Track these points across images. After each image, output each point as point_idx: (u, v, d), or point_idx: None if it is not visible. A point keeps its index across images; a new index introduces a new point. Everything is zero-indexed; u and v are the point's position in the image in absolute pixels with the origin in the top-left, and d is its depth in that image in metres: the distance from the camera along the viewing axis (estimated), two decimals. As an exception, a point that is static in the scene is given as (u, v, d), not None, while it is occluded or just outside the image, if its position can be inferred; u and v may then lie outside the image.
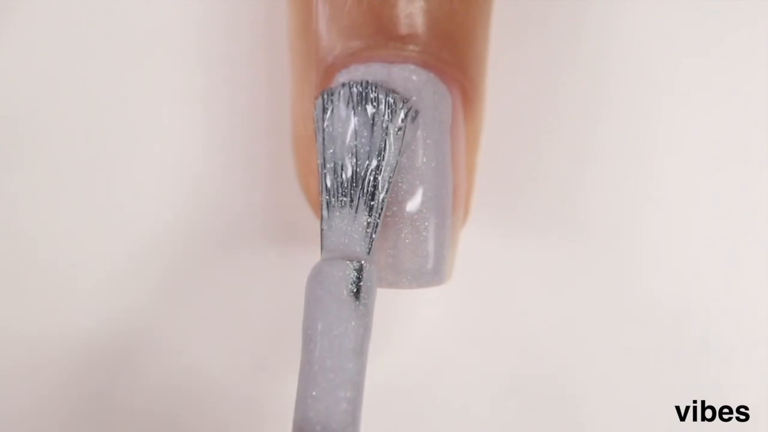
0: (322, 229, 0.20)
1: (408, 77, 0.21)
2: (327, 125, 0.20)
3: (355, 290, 0.19)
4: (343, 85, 0.20)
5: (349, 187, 0.20)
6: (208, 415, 0.25)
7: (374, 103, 0.20)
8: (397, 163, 0.20)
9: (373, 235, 0.20)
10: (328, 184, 0.20)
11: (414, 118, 0.20)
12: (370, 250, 0.20)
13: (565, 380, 0.25)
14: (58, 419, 0.24)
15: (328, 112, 0.20)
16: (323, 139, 0.20)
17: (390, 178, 0.20)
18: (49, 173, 0.25)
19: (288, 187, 0.24)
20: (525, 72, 0.25)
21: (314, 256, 0.20)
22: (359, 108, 0.20)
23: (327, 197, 0.20)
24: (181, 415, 0.24)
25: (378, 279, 0.20)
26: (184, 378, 0.25)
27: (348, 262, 0.19)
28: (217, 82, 0.25)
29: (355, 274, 0.19)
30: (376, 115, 0.20)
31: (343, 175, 0.20)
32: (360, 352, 0.19)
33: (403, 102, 0.20)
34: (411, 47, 0.21)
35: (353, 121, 0.20)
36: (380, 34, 0.21)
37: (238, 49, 0.25)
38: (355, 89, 0.20)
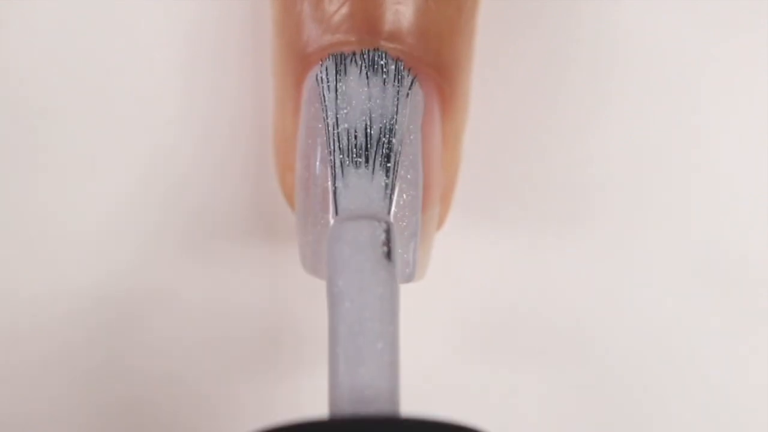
0: (335, 188, 0.19)
1: None
2: (341, 86, 0.20)
3: (386, 251, 0.19)
4: (353, 52, 0.20)
5: (365, 148, 0.20)
6: (191, 411, 0.24)
7: (385, 69, 0.20)
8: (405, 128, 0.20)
9: (392, 197, 0.19)
10: (343, 144, 0.20)
11: (413, 84, 0.20)
12: (389, 211, 0.19)
13: (559, 380, 0.25)
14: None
15: (342, 73, 0.20)
16: (336, 99, 0.20)
17: (401, 141, 0.20)
18: (27, 168, 0.25)
19: (271, 183, 0.24)
20: (518, 70, 0.25)
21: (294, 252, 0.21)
22: (371, 72, 0.20)
23: (341, 157, 0.20)
24: (160, 412, 0.24)
25: None
26: (166, 379, 0.24)
27: (376, 221, 0.19)
28: (202, 77, 0.25)
29: (385, 234, 0.19)
30: (387, 80, 0.20)
31: (358, 136, 0.20)
32: (397, 314, 0.18)
33: (408, 69, 0.20)
34: (383, 43, 0.21)
35: (367, 84, 0.20)
36: (353, 30, 0.21)
37: (224, 46, 0.25)
38: (367, 54, 0.20)
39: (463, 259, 0.25)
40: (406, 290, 0.21)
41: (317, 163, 0.21)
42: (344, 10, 0.21)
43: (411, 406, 0.24)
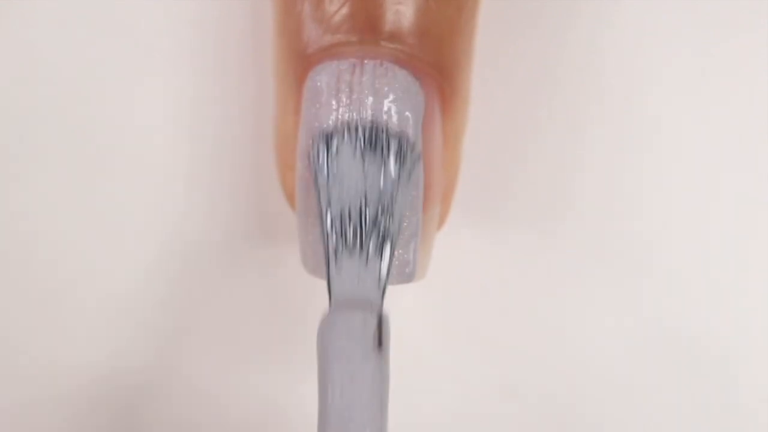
0: (329, 276, 0.19)
1: (380, 74, 0.20)
2: (332, 165, 0.19)
3: (378, 341, 0.19)
4: (349, 126, 0.20)
5: (359, 233, 0.19)
6: (191, 410, 0.24)
7: (385, 145, 0.20)
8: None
9: (386, 284, 0.19)
10: (336, 229, 0.19)
11: (418, 160, 0.20)
12: (382, 299, 0.19)
13: (555, 382, 0.25)
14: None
15: (333, 151, 0.20)
16: (328, 180, 0.19)
17: (400, 224, 0.20)
18: (32, 174, 0.25)
19: (272, 183, 0.24)
20: (518, 70, 0.25)
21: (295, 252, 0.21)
22: (368, 151, 0.20)
23: (334, 242, 0.19)
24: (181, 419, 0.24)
25: None
26: (166, 376, 0.24)
27: (368, 313, 0.19)
28: (202, 78, 0.25)
29: (376, 324, 0.19)
30: (388, 157, 0.20)
31: (353, 220, 0.19)
32: (386, 402, 0.19)
33: (413, 145, 0.20)
34: (383, 44, 0.20)
35: (363, 164, 0.20)
36: (353, 30, 0.20)
37: (225, 46, 0.25)
38: (363, 132, 0.20)
39: (463, 259, 0.25)
40: (406, 290, 0.22)
41: None
42: (345, 10, 0.20)
43: (410, 405, 0.25)
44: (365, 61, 0.20)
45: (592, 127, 0.25)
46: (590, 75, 0.25)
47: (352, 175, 0.19)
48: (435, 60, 0.21)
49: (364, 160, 0.19)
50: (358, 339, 0.19)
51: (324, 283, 0.20)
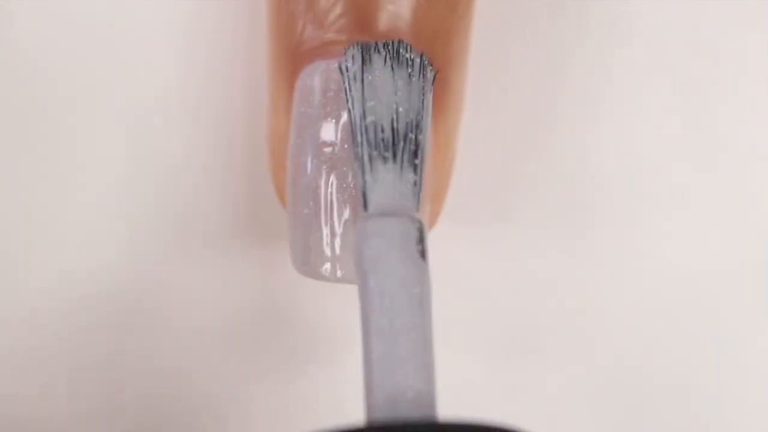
0: (364, 181, 0.19)
1: None
2: (368, 76, 0.19)
3: (421, 249, 0.18)
4: (377, 42, 0.20)
5: (391, 143, 0.19)
6: (188, 407, 0.24)
7: (410, 62, 0.20)
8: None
9: (420, 194, 0.19)
10: (370, 137, 0.19)
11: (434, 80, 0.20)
12: (417, 209, 0.19)
13: (557, 380, 0.25)
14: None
15: (368, 64, 0.20)
16: (363, 90, 0.19)
17: (427, 138, 0.20)
18: (22, 167, 0.24)
19: (266, 182, 0.24)
20: (516, 70, 0.25)
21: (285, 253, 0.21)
22: (397, 65, 0.20)
23: (369, 150, 0.19)
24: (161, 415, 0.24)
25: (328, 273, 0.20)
26: (162, 375, 0.24)
27: (409, 219, 0.18)
28: (197, 77, 0.25)
29: (419, 232, 0.18)
30: (412, 74, 0.20)
31: (385, 131, 0.19)
32: (431, 314, 0.18)
33: (430, 64, 0.20)
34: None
35: (393, 77, 0.20)
36: (345, 29, 0.21)
37: (220, 45, 0.25)
38: (392, 46, 0.20)
39: (458, 260, 0.25)
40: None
41: (308, 162, 0.20)
42: (337, 9, 0.21)
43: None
44: None
45: (589, 127, 0.25)
46: (589, 75, 0.25)
47: (384, 87, 0.19)
48: (428, 60, 0.21)
49: (393, 74, 0.20)
50: (400, 243, 0.18)
51: (316, 283, 0.21)
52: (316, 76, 0.21)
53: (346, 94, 0.20)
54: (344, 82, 0.20)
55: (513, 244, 0.25)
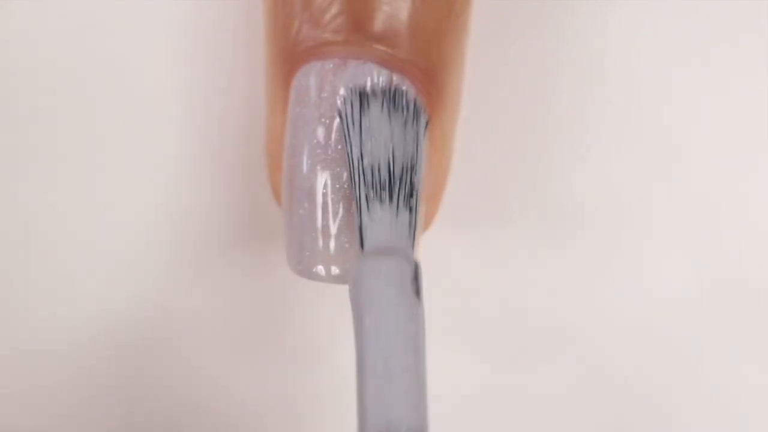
0: (361, 221, 0.19)
1: (365, 75, 0.21)
2: (365, 121, 0.20)
3: (416, 288, 0.19)
4: (373, 87, 0.20)
5: (388, 184, 0.20)
6: (201, 418, 0.24)
7: (405, 108, 0.20)
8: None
9: (415, 234, 0.20)
10: (368, 178, 0.20)
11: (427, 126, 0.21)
12: (413, 249, 0.19)
13: (556, 380, 0.25)
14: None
15: (365, 109, 0.20)
16: (361, 134, 0.20)
17: (421, 182, 0.20)
18: (20, 170, 0.24)
19: (264, 183, 0.24)
20: (512, 72, 0.25)
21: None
22: (393, 110, 0.20)
23: (366, 191, 0.20)
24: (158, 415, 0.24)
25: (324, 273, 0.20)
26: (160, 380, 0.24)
27: (405, 259, 0.19)
28: (196, 77, 0.25)
29: (414, 272, 0.19)
30: (408, 119, 0.20)
31: (382, 172, 0.20)
32: (425, 353, 0.18)
33: (425, 110, 0.21)
34: (369, 44, 0.21)
35: (389, 122, 0.20)
36: (340, 30, 0.21)
37: (219, 45, 0.25)
38: (389, 93, 0.20)
39: (454, 262, 0.25)
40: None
41: (303, 162, 0.21)
42: (333, 9, 0.21)
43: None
44: (348, 61, 0.21)
45: (585, 130, 0.26)
46: (587, 76, 0.26)
47: (381, 131, 0.20)
48: (422, 62, 0.21)
49: (390, 119, 0.20)
50: (395, 283, 0.18)
51: (312, 282, 0.21)
52: (311, 77, 0.21)
53: (344, 138, 0.20)
54: (343, 127, 0.20)
55: (509, 246, 0.25)
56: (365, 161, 0.20)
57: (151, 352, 0.24)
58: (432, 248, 0.23)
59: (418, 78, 0.21)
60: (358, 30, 0.21)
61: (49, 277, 0.24)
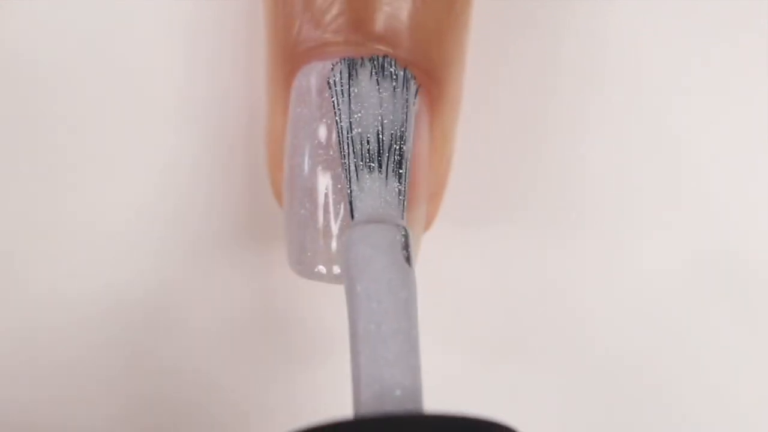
0: (351, 191, 0.20)
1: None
2: (353, 90, 0.20)
3: (406, 255, 0.19)
4: (362, 57, 0.20)
5: (377, 153, 0.20)
6: (186, 414, 0.24)
7: (394, 76, 0.20)
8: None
9: (404, 203, 0.20)
10: (356, 148, 0.20)
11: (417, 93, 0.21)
12: (403, 217, 0.19)
13: (555, 380, 0.25)
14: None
15: (354, 78, 0.20)
16: (349, 103, 0.20)
17: (410, 150, 0.20)
18: (21, 169, 0.24)
19: (263, 184, 0.24)
20: (513, 72, 0.26)
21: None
22: (382, 78, 0.20)
23: (355, 160, 0.20)
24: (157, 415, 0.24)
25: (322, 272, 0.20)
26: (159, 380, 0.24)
27: (395, 226, 0.19)
28: (197, 78, 0.25)
29: (404, 239, 0.19)
30: (396, 87, 0.20)
31: (371, 142, 0.20)
32: (416, 316, 0.18)
33: (413, 78, 0.21)
34: (370, 44, 0.21)
35: (378, 90, 0.20)
36: (341, 30, 0.21)
37: (220, 46, 0.25)
38: (377, 61, 0.20)
39: (455, 260, 0.25)
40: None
41: (304, 163, 0.21)
42: (334, 9, 0.21)
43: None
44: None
45: (586, 128, 0.26)
46: (587, 76, 0.26)
47: (370, 100, 0.20)
48: (422, 62, 0.21)
49: (379, 87, 0.20)
50: (385, 250, 0.18)
51: (312, 282, 0.21)
52: (312, 77, 0.21)
53: (333, 107, 0.20)
54: (332, 96, 0.20)
55: (510, 245, 0.25)
56: (354, 130, 0.20)
57: (151, 352, 0.24)
58: (432, 248, 0.23)
59: (421, 78, 0.21)
60: (359, 30, 0.21)
61: (49, 277, 0.24)
